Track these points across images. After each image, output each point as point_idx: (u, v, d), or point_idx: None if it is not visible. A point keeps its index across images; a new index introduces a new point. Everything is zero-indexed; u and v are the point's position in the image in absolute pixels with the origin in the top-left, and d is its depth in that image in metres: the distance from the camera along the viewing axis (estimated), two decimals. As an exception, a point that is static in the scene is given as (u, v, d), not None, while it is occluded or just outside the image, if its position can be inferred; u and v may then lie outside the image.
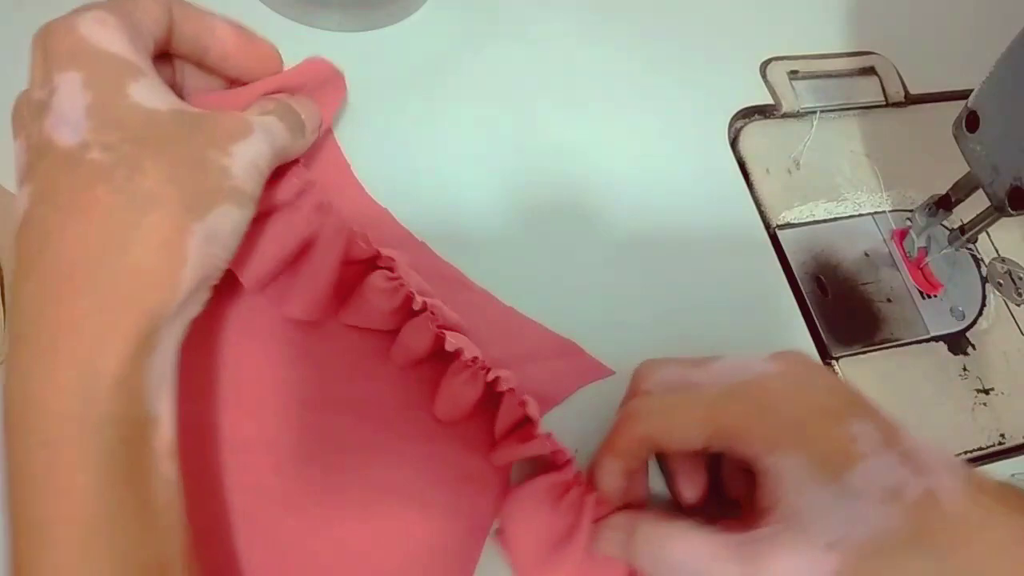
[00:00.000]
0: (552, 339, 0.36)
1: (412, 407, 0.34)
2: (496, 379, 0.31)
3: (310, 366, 0.33)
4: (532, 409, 0.31)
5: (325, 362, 0.34)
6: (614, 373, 0.36)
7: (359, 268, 0.33)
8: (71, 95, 0.25)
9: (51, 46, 0.26)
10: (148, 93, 0.26)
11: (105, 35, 0.26)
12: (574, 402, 0.35)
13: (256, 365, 0.33)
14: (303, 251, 0.33)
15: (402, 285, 0.32)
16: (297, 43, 0.42)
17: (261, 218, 0.31)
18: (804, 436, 0.27)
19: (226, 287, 0.34)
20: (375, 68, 0.42)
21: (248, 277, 0.31)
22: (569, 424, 0.34)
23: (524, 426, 0.32)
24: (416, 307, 0.32)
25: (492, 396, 0.32)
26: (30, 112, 0.26)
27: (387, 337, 0.34)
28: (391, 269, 0.32)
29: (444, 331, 0.32)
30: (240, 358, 0.33)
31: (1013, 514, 0.26)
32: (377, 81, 0.41)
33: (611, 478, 0.31)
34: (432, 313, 0.32)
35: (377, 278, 0.32)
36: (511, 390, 0.31)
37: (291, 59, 0.41)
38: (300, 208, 0.32)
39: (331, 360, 0.34)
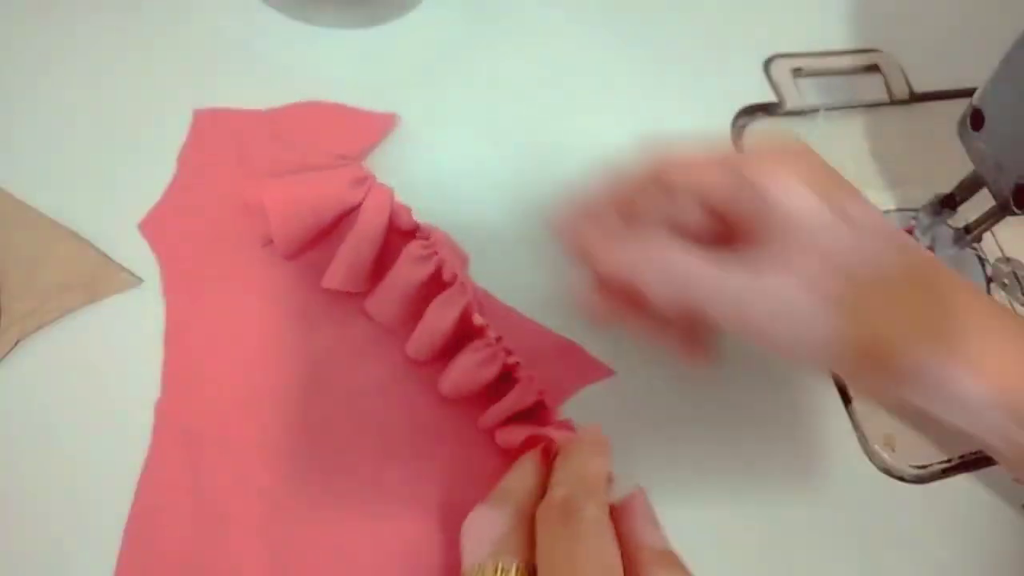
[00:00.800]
0: (553, 339, 0.36)
1: (414, 410, 0.34)
2: (516, 364, 0.32)
3: (313, 368, 0.33)
4: (548, 397, 0.32)
5: (328, 364, 0.34)
6: (614, 374, 0.36)
7: (396, 240, 0.34)
8: None
9: None
10: None
11: None
12: (574, 403, 0.35)
13: (259, 368, 0.33)
14: (341, 221, 0.34)
15: (435, 253, 0.33)
16: (296, 40, 0.42)
17: (303, 191, 0.32)
18: (818, 182, 0.28)
19: (233, 290, 0.34)
20: (373, 65, 0.42)
21: (284, 244, 0.32)
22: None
23: (537, 413, 0.33)
24: (447, 278, 0.33)
25: (499, 386, 0.32)
26: None
27: (395, 339, 0.34)
28: (427, 239, 0.34)
29: (472, 306, 0.33)
30: (243, 360, 0.33)
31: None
32: (376, 78, 0.41)
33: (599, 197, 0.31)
34: (463, 284, 0.32)
35: (414, 247, 0.33)
36: (530, 377, 0.32)
37: (290, 56, 0.41)
38: (339, 178, 0.34)
39: (334, 362, 0.34)
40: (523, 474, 0.28)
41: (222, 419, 0.32)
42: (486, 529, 0.26)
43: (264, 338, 0.34)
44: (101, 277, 0.33)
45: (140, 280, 0.33)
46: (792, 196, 0.27)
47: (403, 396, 0.34)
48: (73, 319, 0.33)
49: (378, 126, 0.39)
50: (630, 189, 0.31)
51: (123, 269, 0.33)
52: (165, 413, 0.32)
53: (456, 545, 0.30)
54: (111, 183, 0.36)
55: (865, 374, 0.28)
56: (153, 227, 0.35)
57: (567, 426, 0.32)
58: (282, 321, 0.34)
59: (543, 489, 0.27)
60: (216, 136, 0.37)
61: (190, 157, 0.37)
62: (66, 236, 0.34)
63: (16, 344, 0.32)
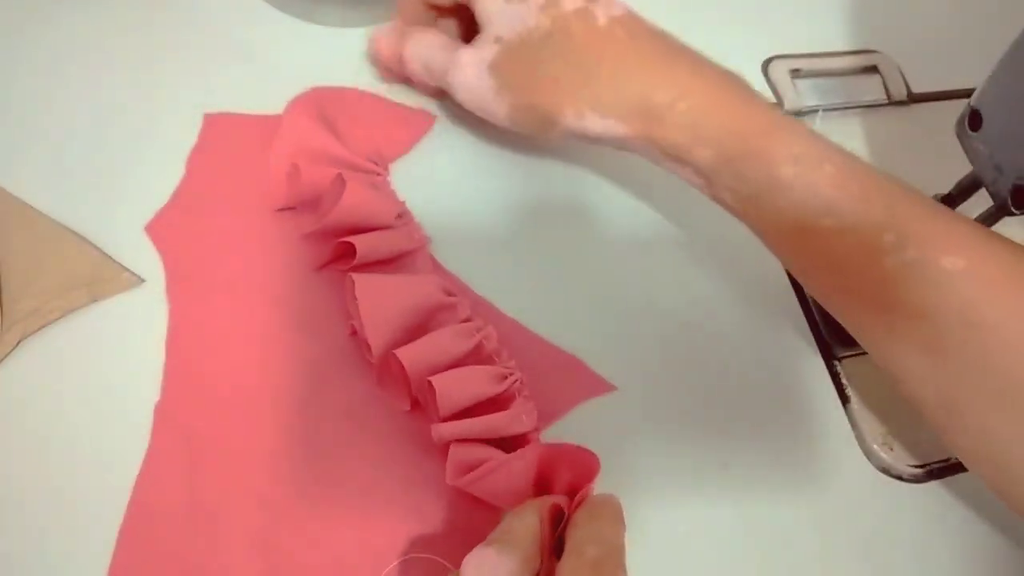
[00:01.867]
0: (554, 353, 0.36)
1: (411, 418, 0.33)
2: (519, 385, 0.32)
3: (313, 375, 0.33)
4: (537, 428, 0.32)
5: (328, 371, 0.34)
6: (616, 389, 0.36)
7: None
8: None
9: None
10: None
11: None
12: (574, 418, 0.35)
13: (259, 373, 0.33)
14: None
15: (480, 329, 0.34)
16: (300, 40, 0.42)
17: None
18: None
19: (237, 295, 0.34)
20: (365, 64, 0.42)
21: (373, 339, 0.32)
22: (569, 439, 0.34)
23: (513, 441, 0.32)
24: (489, 349, 0.33)
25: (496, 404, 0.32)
26: None
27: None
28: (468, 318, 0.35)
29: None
30: (243, 365, 0.33)
31: (661, 40, 0.33)
32: (378, 77, 0.41)
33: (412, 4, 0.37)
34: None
35: (463, 329, 0.33)
36: (529, 400, 0.32)
37: (293, 55, 0.41)
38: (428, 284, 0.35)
39: (334, 369, 0.34)
40: (528, 520, 0.28)
41: (221, 422, 0.32)
42: (490, 574, 0.26)
43: (265, 344, 0.34)
44: (103, 277, 0.33)
45: (142, 280, 0.34)
46: None
47: (402, 411, 0.33)
48: (75, 319, 0.33)
49: (416, 125, 0.40)
50: None
51: (125, 269, 0.33)
52: (164, 414, 0.32)
53: (453, 553, 0.30)
54: (113, 183, 0.36)
55: (535, 130, 0.35)
56: (160, 230, 0.35)
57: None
58: (284, 327, 0.34)
59: (546, 539, 0.27)
60: (225, 141, 0.37)
61: (198, 161, 0.37)
62: (68, 236, 0.34)
63: (18, 344, 0.32)
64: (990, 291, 0.29)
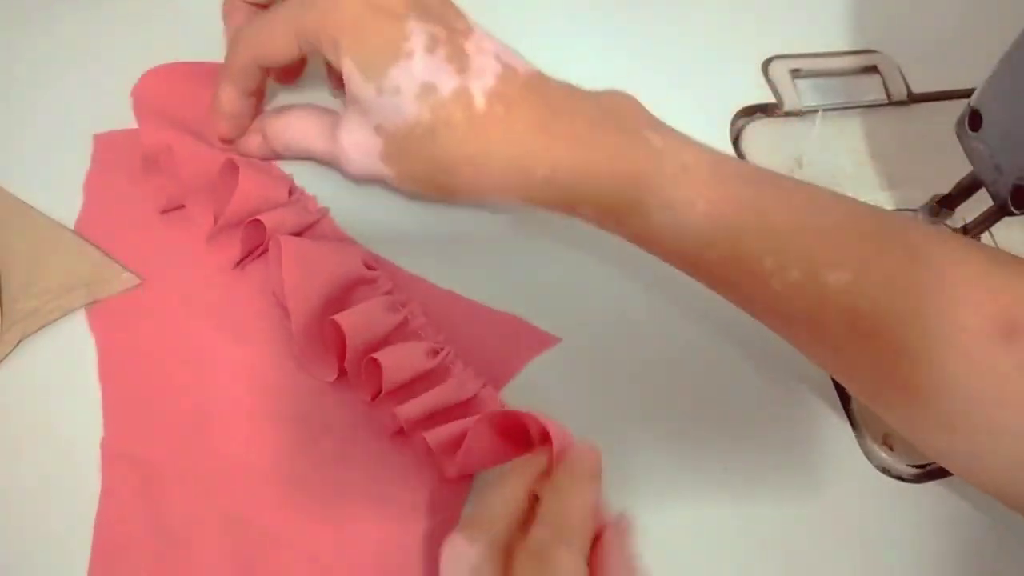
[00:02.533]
0: (490, 315, 0.36)
1: (370, 412, 0.33)
2: (445, 354, 0.33)
3: (261, 384, 0.33)
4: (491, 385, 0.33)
5: (274, 376, 0.33)
6: (560, 341, 0.36)
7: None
8: None
9: None
10: None
11: None
12: (575, 419, 0.35)
13: (203, 391, 0.32)
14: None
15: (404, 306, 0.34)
16: None
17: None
18: (360, 34, 0.30)
19: (163, 314, 0.33)
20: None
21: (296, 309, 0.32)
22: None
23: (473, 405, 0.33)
24: (415, 326, 0.33)
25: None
26: None
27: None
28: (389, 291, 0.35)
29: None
30: (185, 385, 0.32)
31: (540, 109, 0.31)
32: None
33: (231, 104, 0.34)
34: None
35: (384, 301, 0.33)
36: (464, 367, 0.33)
37: None
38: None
39: (280, 373, 0.33)
40: (502, 499, 0.27)
41: (173, 448, 0.31)
42: (457, 563, 0.26)
43: (201, 360, 0.33)
44: (103, 277, 0.33)
45: (141, 279, 0.34)
46: (349, 79, 0.31)
47: (357, 400, 0.33)
48: (74, 319, 0.33)
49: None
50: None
51: (125, 269, 0.33)
52: (111, 450, 0.31)
53: (431, 544, 0.30)
54: (112, 183, 0.36)
55: (440, 198, 0.36)
56: None
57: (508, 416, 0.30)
58: (214, 338, 0.33)
59: (526, 513, 0.27)
60: (121, 158, 0.36)
61: (95, 183, 0.36)
62: (67, 236, 0.34)
63: (18, 344, 0.32)
64: (878, 303, 0.29)
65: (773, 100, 0.46)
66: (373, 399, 0.32)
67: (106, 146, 0.36)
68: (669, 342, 0.38)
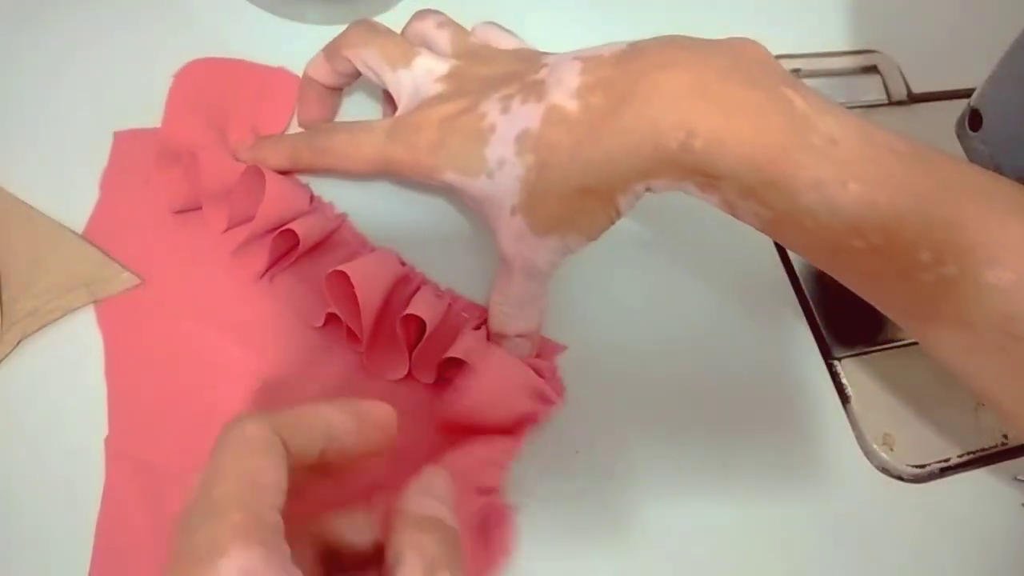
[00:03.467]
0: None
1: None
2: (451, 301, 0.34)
3: (263, 381, 0.33)
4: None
5: (280, 373, 0.33)
6: (567, 348, 0.36)
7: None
8: None
9: None
10: None
11: None
12: (573, 418, 0.35)
13: (205, 391, 0.32)
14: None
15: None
16: (280, 37, 0.42)
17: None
18: (447, 148, 0.31)
19: (167, 314, 0.33)
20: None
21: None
22: (568, 442, 0.34)
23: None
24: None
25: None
26: None
27: (342, 339, 0.34)
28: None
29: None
30: (187, 386, 0.32)
31: (643, 68, 0.29)
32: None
33: (320, 73, 0.36)
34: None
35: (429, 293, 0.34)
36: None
37: (274, 53, 0.41)
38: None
39: (285, 370, 0.33)
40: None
41: (176, 449, 0.31)
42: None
43: (208, 361, 0.33)
44: (103, 277, 0.33)
45: (141, 279, 0.34)
46: (463, 188, 0.32)
47: (362, 392, 0.33)
48: (75, 319, 0.33)
49: (287, 89, 0.39)
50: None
51: (125, 269, 0.33)
52: (114, 448, 0.31)
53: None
54: (112, 183, 0.36)
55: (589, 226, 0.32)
56: None
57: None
58: (225, 342, 0.33)
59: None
60: (138, 157, 0.36)
61: (112, 182, 0.36)
62: (67, 236, 0.34)
63: (18, 344, 0.32)
64: None
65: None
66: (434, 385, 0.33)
67: (125, 144, 0.36)
68: (669, 342, 0.38)
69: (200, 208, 0.35)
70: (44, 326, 0.32)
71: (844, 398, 0.38)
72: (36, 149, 0.36)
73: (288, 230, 0.33)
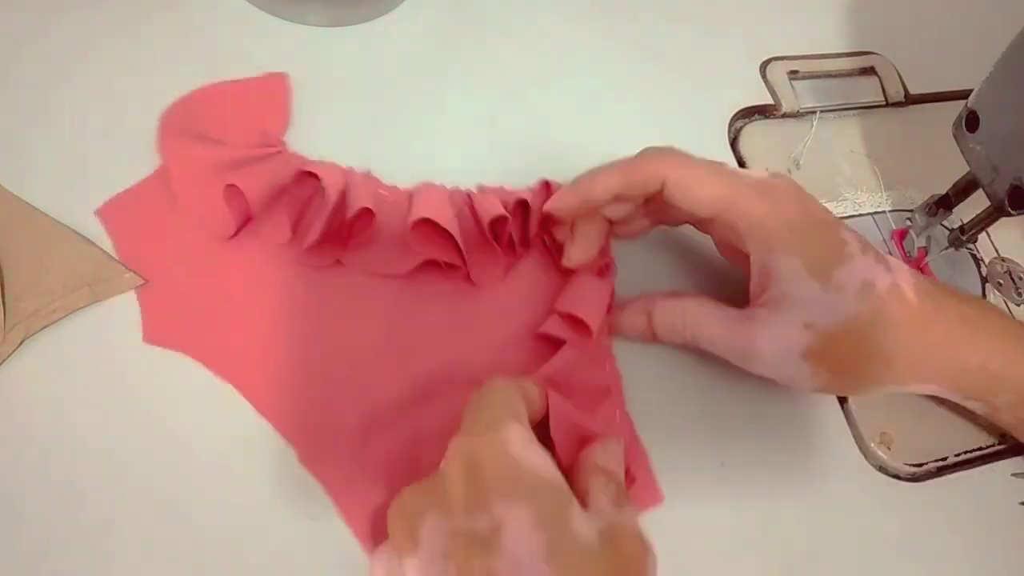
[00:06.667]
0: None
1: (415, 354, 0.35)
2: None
3: (300, 346, 0.34)
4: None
5: (320, 327, 0.35)
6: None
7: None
8: (521, 537, 0.25)
9: (482, 467, 0.26)
10: (584, 522, 0.26)
11: (538, 459, 0.27)
12: None
13: (243, 362, 0.34)
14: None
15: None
16: (280, 39, 0.42)
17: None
18: (807, 238, 0.32)
19: (207, 290, 0.34)
20: (359, 63, 0.42)
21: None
22: None
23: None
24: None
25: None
26: (457, 540, 0.25)
27: (375, 290, 0.36)
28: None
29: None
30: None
31: (958, 303, 0.33)
32: (361, 76, 0.41)
33: (604, 194, 0.34)
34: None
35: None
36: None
37: (274, 55, 0.41)
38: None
39: (325, 323, 0.35)
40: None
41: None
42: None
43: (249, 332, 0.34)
44: (105, 277, 0.33)
45: (144, 280, 0.34)
46: (790, 277, 0.32)
47: (401, 340, 0.35)
48: (78, 318, 0.33)
49: (275, 92, 0.39)
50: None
51: (127, 269, 0.34)
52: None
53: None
54: (113, 183, 0.36)
55: (852, 390, 0.36)
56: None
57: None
58: (261, 310, 0.34)
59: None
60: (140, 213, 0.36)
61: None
62: (70, 236, 0.34)
63: (21, 343, 0.32)
64: None
65: (771, 101, 0.47)
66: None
67: (112, 214, 0.36)
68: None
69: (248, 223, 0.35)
70: (47, 326, 0.32)
71: (841, 396, 0.39)
72: (40, 150, 0.36)
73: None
